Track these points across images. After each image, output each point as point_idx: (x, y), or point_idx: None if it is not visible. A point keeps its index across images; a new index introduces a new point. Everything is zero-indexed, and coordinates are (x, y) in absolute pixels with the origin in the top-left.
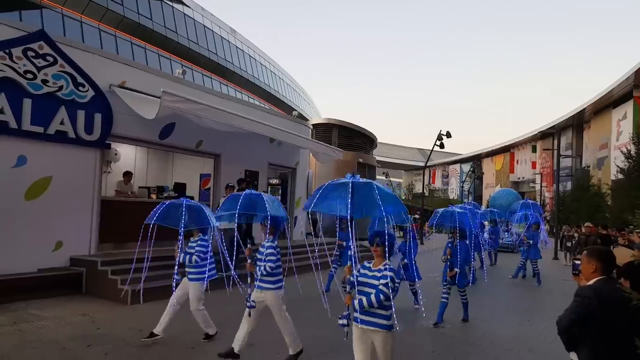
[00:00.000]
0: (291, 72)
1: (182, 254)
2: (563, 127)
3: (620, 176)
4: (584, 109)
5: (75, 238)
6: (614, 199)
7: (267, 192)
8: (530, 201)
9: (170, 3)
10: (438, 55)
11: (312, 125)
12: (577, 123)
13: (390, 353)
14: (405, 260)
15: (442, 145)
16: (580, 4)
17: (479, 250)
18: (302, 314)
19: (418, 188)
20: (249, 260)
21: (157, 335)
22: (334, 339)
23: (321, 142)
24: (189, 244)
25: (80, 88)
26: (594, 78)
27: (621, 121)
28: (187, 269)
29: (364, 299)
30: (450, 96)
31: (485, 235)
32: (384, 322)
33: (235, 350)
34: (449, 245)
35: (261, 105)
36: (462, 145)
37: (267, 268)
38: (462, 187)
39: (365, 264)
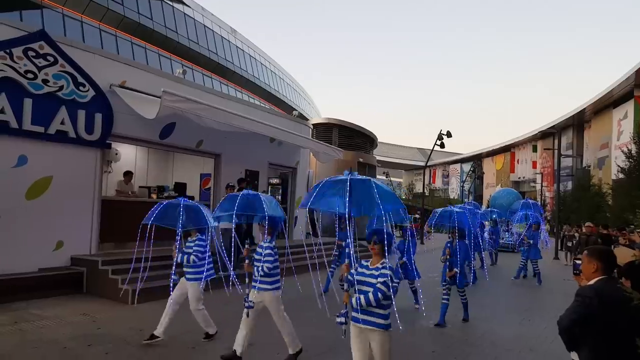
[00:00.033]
0: (291, 72)
1: (180, 254)
2: (564, 127)
3: (621, 176)
4: (585, 108)
5: (76, 238)
6: (614, 198)
7: (268, 192)
8: (530, 201)
9: (171, 3)
10: (438, 55)
11: (313, 125)
12: (578, 123)
13: (387, 353)
14: (404, 259)
15: (442, 145)
16: (581, 4)
17: (479, 251)
18: (302, 314)
19: (418, 188)
20: (246, 261)
21: (158, 337)
22: (333, 339)
23: (321, 142)
24: (187, 244)
25: (81, 88)
26: (594, 78)
27: (622, 121)
28: (184, 269)
29: (361, 297)
30: (451, 96)
31: (486, 235)
32: (382, 321)
33: (238, 353)
34: (448, 245)
35: (261, 105)
36: (462, 145)
37: (265, 269)
38: (463, 186)
39: (363, 262)
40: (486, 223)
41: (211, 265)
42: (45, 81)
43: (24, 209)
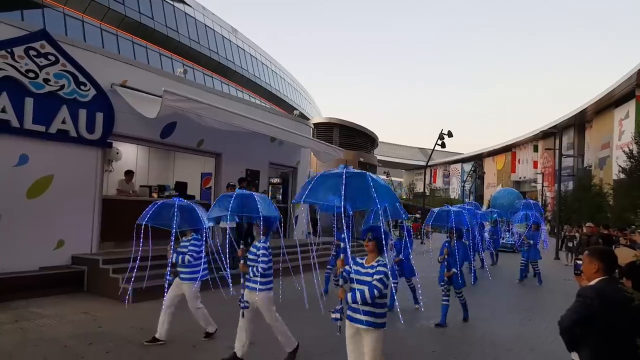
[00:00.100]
0: (292, 72)
1: (175, 254)
2: (565, 127)
3: (622, 176)
4: (586, 108)
5: (77, 237)
6: (615, 198)
7: (269, 192)
8: (531, 201)
9: (172, 2)
10: (439, 55)
11: (313, 124)
12: (579, 122)
13: (379, 352)
14: (401, 257)
15: (443, 145)
16: (582, 4)
17: (478, 251)
18: (302, 314)
19: (419, 187)
20: (241, 261)
21: (160, 340)
22: (333, 339)
23: (322, 142)
24: (182, 243)
25: (82, 87)
26: (595, 77)
27: (623, 120)
28: (179, 269)
29: (357, 294)
30: (452, 96)
31: (486, 235)
32: (376, 320)
33: (239, 355)
34: (446, 245)
35: (262, 104)
36: (463, 144)
37: (260, 269)
38: (464, 186)
39: (358, 260)
40: (486, 224)
41: (206, 265)
42: (46, 80)
43: (24, 208)
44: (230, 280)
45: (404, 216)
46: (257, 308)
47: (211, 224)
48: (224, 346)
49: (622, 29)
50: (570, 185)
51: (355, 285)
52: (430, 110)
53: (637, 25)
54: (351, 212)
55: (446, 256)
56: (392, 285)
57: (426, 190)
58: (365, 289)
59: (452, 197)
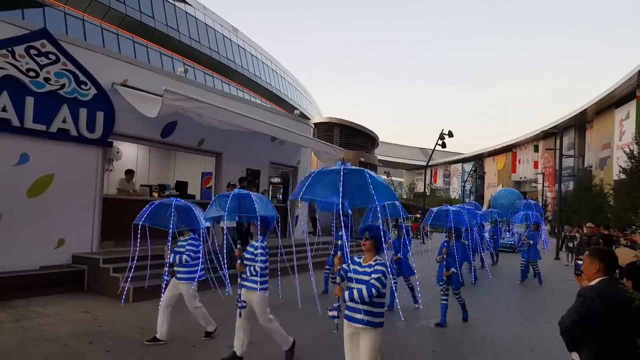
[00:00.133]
0: (293, 72)
1: (172, 254)
2: (565, 127)
3: (622, 176)
4: (587, 108)
5: (77, 236)
6: (616, 199)
7: (269, 191)
8: (532, 202)
9: (172, 1)
10: (439, 55)
11: (314, 124)
12: (580, 123)
13: (375, 352)
14: (399, 255)
15: (444, 145)
16: (583, 4)
17: (478, 251)
18: (302, 314)
19: (419, 187)
20: (238, 261)
21: (160, 340)
22: (332, 339)
23: (323, 141)
24: (179, 243)
25: (83, 86)
26: (596, 78)
27: (624, 121)
28: (176, 269)
29: (355, 292)
30: (452, 96)
31: (486, 235)
32: (374, 319)
33: (238, 354)
34: (445, 244)
35: (263, 104)
36: (464, 144)
37: (257, 268)
38: (464, 186)
39: (355, 259)
40: (486, 224)
41: (202, 265)
42: (47, 79)
43: (25, 207)
44: (228, 281)
45: (403, 215)
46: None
47: (208, 224)
48: (224, 345)
49: (623, 29)
50: (571, 185)
51: (354, 285)
52: (430, 110)
53: (638, 25)
54: (350, 211)
55: (445, 256)
56: (392, 284)
57: (426, 190)
58: (363, 287)
59: (452, 197)
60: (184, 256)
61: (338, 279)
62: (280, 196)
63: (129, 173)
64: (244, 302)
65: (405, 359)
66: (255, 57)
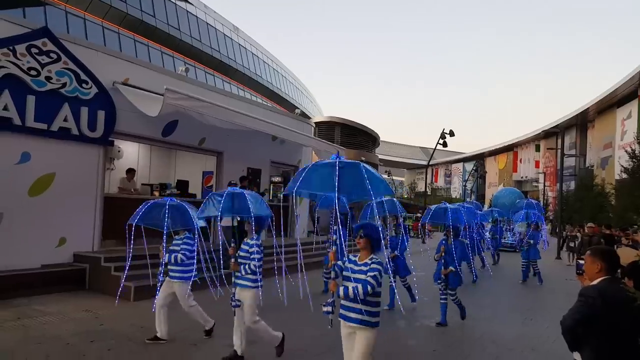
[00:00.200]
0: (293, 71)
1: (167, 254)
2: (567, 126)
3: (624, 176)
4: (588, 108)
5: (79, 234)
6: (617, 198)
7: (270, 190)
8: (533, 201)
9: (173, 0)
10: (439, 55)
11: (315, 123)
12: (581, 122)
13: (369, 351)
14: (396, 253)
15: (445, 144)
16: (584, 3)
17: (477, 251)
18: (301, 313)
19: (420, 187)
20: (232, 260)
21: (161, 340)
22: (332, 339)
23: (323, 140)
24: (174, 242)
25: (84, 85)
26: (598, 77)
27: (626, 120)
28: (170, 267)
29: (350, 288)
30: (453, 95)
31: (487, 234)
32: (370, 318)
33: (239, 353)
34: (443, 243)
35: (264, 103)
36: (465, 144)
37: (252, 266)
38: (465, 186)
39: (351, 257)
40: (486, 224)
41: (195, 266)
42: (48, 78)
43: (26, 205)
44: (224, 280)
45: (401, 212)
46: None
47: (203, 224)
48: (225, 344)
49: (625, 29)
50: (572, 185)
51: (347, 284)
52: (431, 109)
53: None
54: (347, 205)
55: (443, 254)
56: (391, 284)
57: (428, 190)
58: (359, 285)
59: (453, 196)
60: (179, 255)
61: (332, 274)
62: (281, 195)
63: (130, 172)
64: (238, 300)
65: (406, 359)
66: (256, 56)
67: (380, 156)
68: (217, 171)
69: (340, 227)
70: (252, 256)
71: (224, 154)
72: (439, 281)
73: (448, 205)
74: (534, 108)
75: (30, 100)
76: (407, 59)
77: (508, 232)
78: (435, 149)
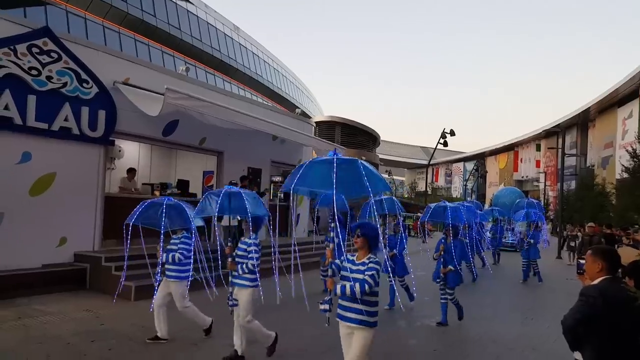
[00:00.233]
0: (294, 71)
1: (165, 254)
2: (568, 126)
3: (625, 175)
4: (589, 107)
5: (79, 234)
6: (618, 198)
7: (270, 190)
8: (534, 201)
9: (174, 0)
10: (440, 55)
11: (315, 122)
12: (582, 122)
13: (365, 350)
14: (395, 251)
15: (445, 144)
16: (585, 3)
17: (477, 251)
18: (301, 313)
19: (421, 186)
20: (229, 259)
21: (162, 339)
22: (332, 339)
23: (324, 140)
24: (171, 241)
25: (85, 84)
26: (599, 76)
27: (627, 120)
28: (167, 267)
29: (347, 286)
30: (454, 95)
31: (488, 234)
32: (368, 318)
33: (239, 353)
34: (442, 241)
35: (264, 102)
36: (465, 143)
37: (250, 265)
38: (466, 185)
39: (349, 256)
40: (486, 223)
41: (192, 265)
42: (49, 78)
43: (27, 205)
44: (223, 280)
45: (399, 211)
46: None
47: (201, 223)
48: (225, 344)
49: (626, 28)
50: (573, 184)
51: (345, 283)
52: (432, 109)
53: None
54: (347, 204)
55: (442, 253)
56: (391, 284)
57: (428, 189)
58: (356, 283)
59: (454, 195)
60: (177, 254)
61: (330, 272)
62: (282, 195)
63: (131, 171)
64: (235, 300)
65: (406, 358)
66: (256, 55)
67: (380, 156)
68: (218, 171)
69: (338, 225)
70: (249, 255)
71: (225, 153)
72: (438, 280)
73: (447, 203)
74: (535, 107)
75: (31, 99)
76: (408, 59)
77: (509, 232)
78: (435, 148)
